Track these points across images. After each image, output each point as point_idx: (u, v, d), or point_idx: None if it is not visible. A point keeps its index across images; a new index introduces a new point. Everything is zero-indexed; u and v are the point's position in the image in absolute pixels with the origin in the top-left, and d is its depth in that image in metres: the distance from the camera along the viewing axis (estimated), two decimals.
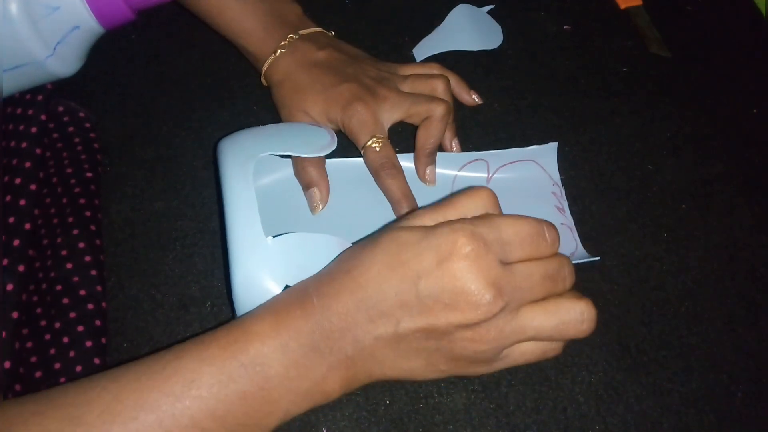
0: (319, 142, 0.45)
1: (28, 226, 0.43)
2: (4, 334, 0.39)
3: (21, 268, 0.41)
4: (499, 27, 0.62)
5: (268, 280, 0.39)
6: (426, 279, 0.33)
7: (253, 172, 0.41)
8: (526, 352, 0.37)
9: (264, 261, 0.39)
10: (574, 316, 0.35)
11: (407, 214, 0.39)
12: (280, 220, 0.43)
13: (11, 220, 0.43)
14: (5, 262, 0.41)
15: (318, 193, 0.47)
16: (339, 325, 0.35)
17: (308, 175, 0.47)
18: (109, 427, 0.31)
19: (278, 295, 0.37)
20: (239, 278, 0.39)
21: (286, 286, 0.39)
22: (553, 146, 0.52)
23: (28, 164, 0.45)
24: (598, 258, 0.48)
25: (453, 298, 0.33)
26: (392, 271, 0.34)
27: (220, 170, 0.43)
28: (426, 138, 0.49)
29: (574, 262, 0.41)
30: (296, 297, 0.36)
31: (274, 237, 0.39)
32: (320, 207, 0.47)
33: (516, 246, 0.34)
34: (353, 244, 0.39)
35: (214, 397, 0.33)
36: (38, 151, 0.46)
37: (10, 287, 0.40)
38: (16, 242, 0.42)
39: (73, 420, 0.31)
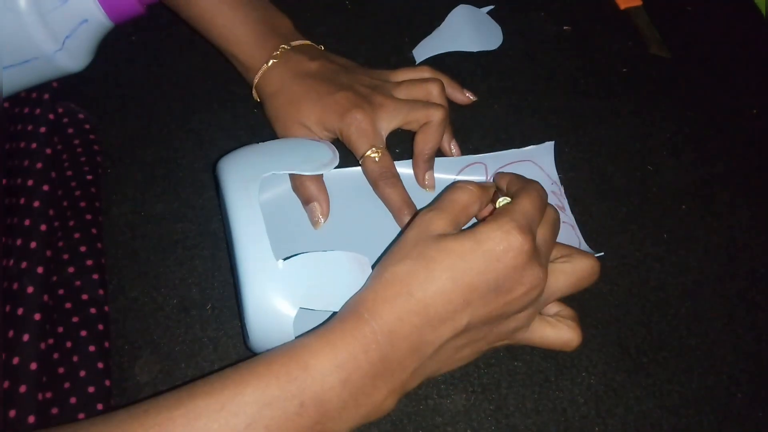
0: (320, 159, 0.45)
1: (43, 227, 0.42)
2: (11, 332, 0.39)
3: (40, 269, 0.41)
4: (499, 27, 0.62)
5: (282, 305, 0.38)
6: (489, 276, 0.36)
7: (257, 194, 0.41)
8: (546, 333, 0.41)
9: (277, 286, 0.38)
10: (587, 269, 0.41)
11: (418, 220, 0.39)
12: (283, 236, 0.42)
13: (27, 222, 0.42)
14: (24, 264, 0.41)
15: (319, 207, 0.47)
16: (404, 347, 0.35)
17: (307, 190, 0.47)
18: None
19: (331, 321, 0.37)
20: (252, 305, 0.38)
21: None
22: (549, 145, 0.52)
23: (39, 165, 0.44)
24: (602, 253, 0.48)
25: (513, 283, 0.37)
26: (458, 282, 0.36)
27: (224, 192, 0.42)
28: (424, 144, 0.49)
29: None
30: (352, 326, 0.35)
31: (284, 259, 0.39)
32: (322, 221, 0.47)
33: (537, 218, 0.39)
34: (365, 253, 0.39)
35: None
36: (48, 151, 0.45)
37: (30, 290, 0.40)
38: (33, 244, 0.42)
39: None
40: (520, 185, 0.41)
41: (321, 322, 0.38)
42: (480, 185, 0.41)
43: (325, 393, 0.33)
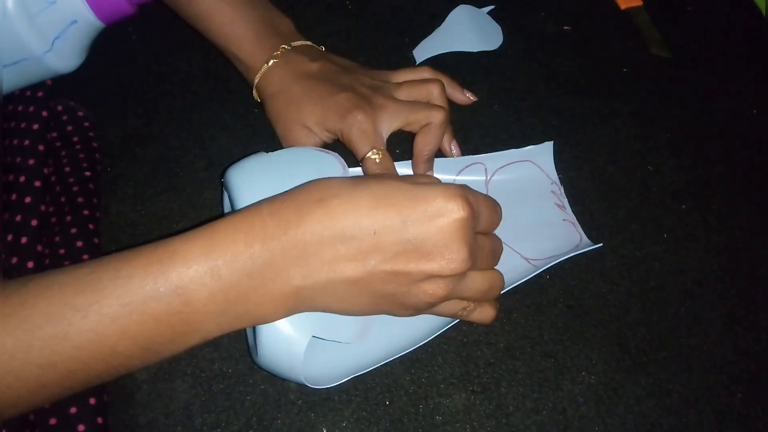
0: (332, 174, 0.43)
1: (34, 222, 0.43)
2: None
3: (30, 264, 0.41)
4: (499, 27, 0.62)
5: (295, 332, 0.38)
6: (413, 227, 0.34)
7: None
8: (448, 308, 0.40)
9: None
10: (498, 286, 0.40)
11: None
12: None
13: (18, 218, 0.42)
14: (14, 260, 0.41)
15: None
16: (293, 254, 0.33)
17: None
18: (14, 330, 0.31)
19: (226, 216, 0.35)
20: (264, 333, 0.38)
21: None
22: (548, 145, 0.52)
23: (31, 161, 0.45)
24: (601, 245, 0.48)
25: (434, 249, 0.35)
26: (377, 210, 0.34)
27: (237, 207, 0.40)
28: (424, 144, 0.49)
29: (579, 251, 0.48)
30: (245, 218, 0.34)
31: None
32: None
33: (484, 217, 0.38)
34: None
35: (125, 316, 0.32)
36: (41, 148, 0.45)
37: None
38: (24, 240, 0.42)
39: None
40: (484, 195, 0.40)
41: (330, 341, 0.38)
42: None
43: (188, 281, 0.32)
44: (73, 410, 0.39)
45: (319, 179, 0.36)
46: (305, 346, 0.38)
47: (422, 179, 0.38)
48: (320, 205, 0.34)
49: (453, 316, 0.41)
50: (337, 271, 0.34)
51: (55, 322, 0.31)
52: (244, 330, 0.45)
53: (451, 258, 0.35)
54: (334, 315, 0.38)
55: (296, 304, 0.36)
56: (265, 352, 0.38)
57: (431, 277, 0.36)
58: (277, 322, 0.37)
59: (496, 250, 0.40)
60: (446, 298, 0.37)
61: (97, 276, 0.32)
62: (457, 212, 0.35)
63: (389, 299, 0.37)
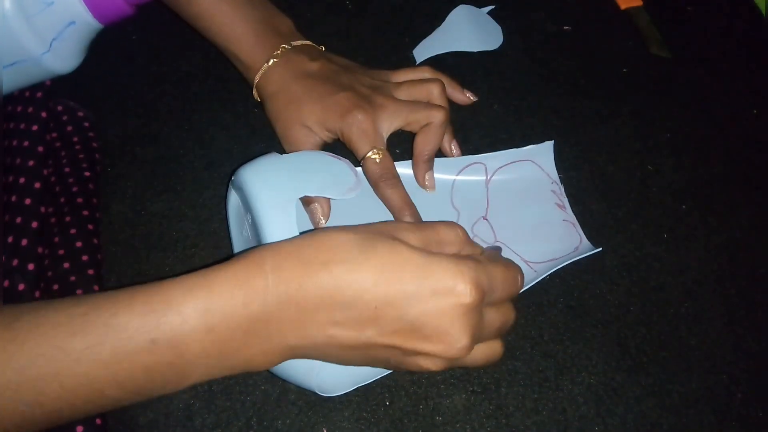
0: (346, 182, 0.43)
1: (35, 224, 0.43)
2: None
3: (31, 266, 0.41)
4: (499, 27, 0.62)
5: None
6: (416, 305, 0.33)
7: (295, 217, 0.39)
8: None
9: None
10: (497, 356, 0.38)
11: (390, 223, 0.38)
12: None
13: (18, 220, 0.42)
14: (15, 262, 0.41)
15: (320, 208, 0.46)
16: (290, 314, 0.33)
17: None
18: (3, 368, 0.30)
19: (231, 259, 0.34)
20: None
21: None
22: (549, 145, 0.52)
23: (31, 163, 0.45)
24: (600, 249, 0.48)
25: (434, 333, 0.33)
26: (381, 286, 0.32)
27: (258, 211, 0.40)
28: (425, 144, 0.49)
29: (578, 256, 0.47)
30: (246, 270, 0.33)
31: None
32: (323, 222, 0.47)
33: (497, 295, 0.36)
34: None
35: (116, 364, 0.31)
36: (40, 149, 0.45)
37: (21, 287, 0.40)
38: (24, 242, 0.42)
39: None
40: (506, 261, 0.38)
41: None
42: (471, 241, 0.39)
43: (184, 336, 0.31)
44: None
45: (329, 233, 0.34)
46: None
47: (435, 237, 0.36)
48: (324, 269, 0.32)
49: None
50: (332, 337, 0.34)
51: (46, 364, 0.31)
52: None
53: (450, 344, 0.33)
54: None
55: (290, 356, 0.35)
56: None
57: (429, 356, 0.34)
58: None
59: (505, 325, 0.37)
60: (443, 369, 0.36)
61: (91, 320, 0.31)
62: (465, 297, 0.33)
63: (384, 363, 0.36)
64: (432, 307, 0.33)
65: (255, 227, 0.41)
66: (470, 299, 0.33)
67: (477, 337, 0.34)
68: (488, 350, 0.37)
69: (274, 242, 0.35)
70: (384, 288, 0.32)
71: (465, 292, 0.33)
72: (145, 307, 0.32)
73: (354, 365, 0.37)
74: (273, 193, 0.40)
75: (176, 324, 0.31)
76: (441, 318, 0.33)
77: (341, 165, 0.44)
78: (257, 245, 0.37)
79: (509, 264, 0.37)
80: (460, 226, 0.38)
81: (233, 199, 0.44)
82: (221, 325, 0.32)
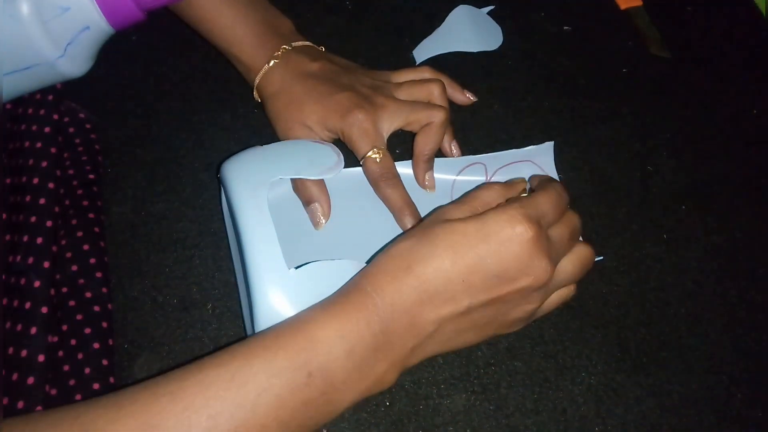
0: (326, 162, 0.45)
1: (49, 223, 0.43)
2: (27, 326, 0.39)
3: (46, 264, 0.42)
4: (499, 28, 0.62)
5: (291, 313, 0.38)
6: (492, 261, 0.36)
7: (266, 199, 0.41)
8: (552, 301, 0.41)
9: (287, 294, 0.39)
10: (589, 259, 0.42)
11: (434, 211, 0.40)
12: (284, 236, 0.42)
13: (33, 219, 0.43)
14: (30, 260, 0.42)
15: (320, 208, 0.47)
16: (403, 321, 0.36)
17: (308, 191, 0.47)
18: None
19: (335, 295, 0.38)
20: (262, 313, 0.38)
21: None
22: (549, 146, 0.52)
23: (44, 163, 0.45)
24: (602, 257, 0.48)
25: (518, 273, 0.37)
26: (458, 261, 0.36)
27: (231, 198, 0.42)
28: (425, 144, 0.49)
29: None
30: (355, 298, 0.36)
31: (295, 268, 0.39)
32: (323, 222, 0.47)
33: (551, 215, 0.39)
34: (357, 254, 0.39)
35: (282, 405, 0.33)
36: (53, 150, 0.46)
37: (37, 284, 0.41)
38: (39, 240, 0.42)
39: (152, 428, 0.32)
40: (542, 183, 0.42)
41: None
42: (507, 183, 0.42)
43: (330, 364, 0.34)
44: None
45: (395, 245, 0.38)
46: None
47: (479, 203, 0.40)
48: (409, 273, 0.36)
49: (561, 305, 0.43)
50: (440, 322, 0.37)
51: (226, 420, 0.32)
52: (244, 326, 0.45)
53: (536, 274, 0.37)
54: (324, 288, 0.38)
55: (412, 361, 0.38)
56: None
57: (524, 292, 0.38)
58: (276, 311, 0.38)
59: (574, 230, 0.41)
60: (545, 299, 0.40)
61: (252, 371, 0.33)
62: (526, 233, 0.36)
63: (492, 324, 0.39)
64: (506, 255, 0.36)
65: (232, 216, 0.41)
66: (531, 233, 0.36)
67: (555, 256, 0.38)
68: (576, 257, 0.41)
69: (362, 269, 0.39)
70: (461, 262, 0.36)
71: (523, 230, 0.37)
72: (296, 347, 0.34)
73: (469, 344, 0.40)
74: (246, 179, 0.41)
75: (323, 355, 0.34)
76: (518, 259, 0.37)
77: (322, 147, 0.44)
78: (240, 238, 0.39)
79: (547, 187, 0.41)
80: (493, 184, 0.42)
81: (224, 198, 0.45)
82: (357, 348, 0.35)
